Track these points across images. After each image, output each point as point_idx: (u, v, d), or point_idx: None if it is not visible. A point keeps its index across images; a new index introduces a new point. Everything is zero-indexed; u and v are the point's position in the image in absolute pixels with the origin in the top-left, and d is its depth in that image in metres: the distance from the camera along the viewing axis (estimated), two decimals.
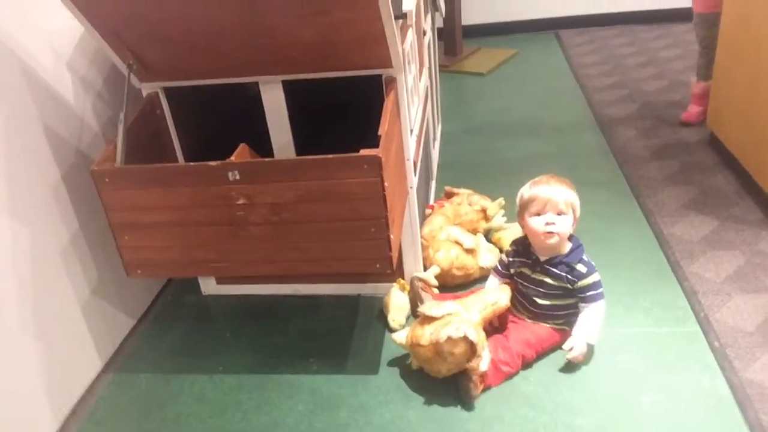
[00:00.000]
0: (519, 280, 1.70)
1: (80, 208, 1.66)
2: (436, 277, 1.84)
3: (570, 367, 1.60)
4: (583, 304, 1.61)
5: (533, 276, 1.65)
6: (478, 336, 1.47)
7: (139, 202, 1.47)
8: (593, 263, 1.62)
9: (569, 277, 1.60)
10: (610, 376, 1.57)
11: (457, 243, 1.90)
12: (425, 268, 1.88)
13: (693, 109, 2.80)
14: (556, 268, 1.61)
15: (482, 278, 1.90)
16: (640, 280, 1.87)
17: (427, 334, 1.50)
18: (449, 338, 1.45)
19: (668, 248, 2.01)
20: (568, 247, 1.62)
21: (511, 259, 1.71)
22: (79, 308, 1.66)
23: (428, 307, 1.54)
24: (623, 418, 1.45)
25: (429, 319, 1.52)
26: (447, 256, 1.88)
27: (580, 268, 1.60)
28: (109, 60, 1.62)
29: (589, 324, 1.59)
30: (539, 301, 1.64)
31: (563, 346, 1.59)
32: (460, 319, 1.50)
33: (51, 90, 1.58)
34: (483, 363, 1.50)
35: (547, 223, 1.57)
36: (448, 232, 1.93)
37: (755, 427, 1.39)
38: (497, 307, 1.60)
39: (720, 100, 2.47)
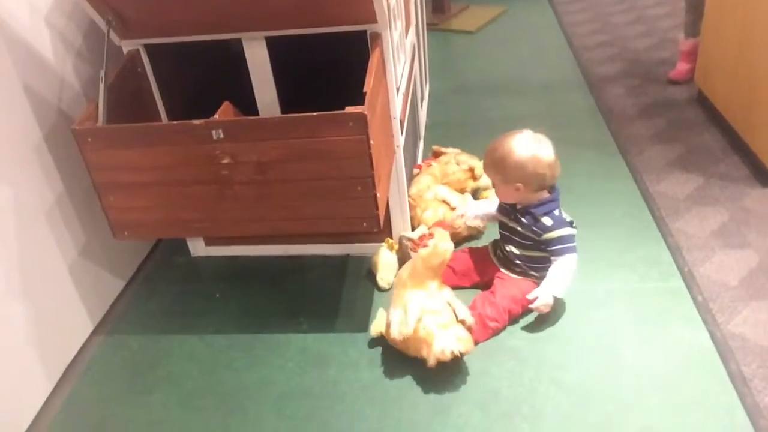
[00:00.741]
0: (501, 231, 1.73)
1: (64, 169, 1.64)
2: None
3: (555, 322, 1.62)
4: (552, 258, 1.62)
5: (509, 224, 1.68)
6: (465, 346, 1.45)
7: (123, 162, 1.45)
8: (566, 219, 1.62)
9: (534, 228, 1.61)
10: (595, 331, 1.59)
11: (445, 202, 1.90)
12: (413, 228, 1.88)
13: (681, 67, 2.79)
14: (524, 217, 1.63)
15: (470, 237, 1.92)
16: (626, 236, 1.89)
17: (411, 350, 1.49)
18: (438, 361, 1.45)
19: (654, 205, 2.02)
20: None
21: (498, 204, 1.74)
22: (67, 270, 1.65)
23: (396, 330, 1.47)
24: (608, 371, 1.48)
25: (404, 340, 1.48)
26: (434, 216, 1.88)
27: (545, 221, 1.60)
28: (88, 16, 1.57)
29: (555, 277, 1.60)
30: (514, 250, 1.67)
31: (528, 296, 1.60)
32: (439, 325, 1.45)
33: (29, 47, 1.54)
34: (468, 318, 1.51)
35: None
36: (435, 192, 1.93)
37: (737, 379, 1.42)
38: (446, 262, 1.56)
39: (708, 58, 2.45)
